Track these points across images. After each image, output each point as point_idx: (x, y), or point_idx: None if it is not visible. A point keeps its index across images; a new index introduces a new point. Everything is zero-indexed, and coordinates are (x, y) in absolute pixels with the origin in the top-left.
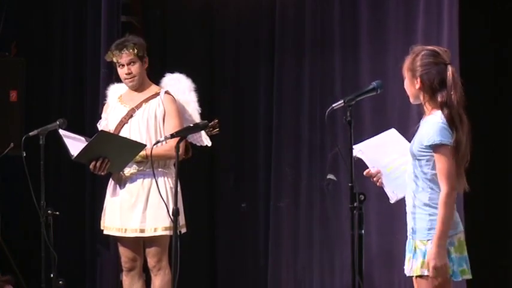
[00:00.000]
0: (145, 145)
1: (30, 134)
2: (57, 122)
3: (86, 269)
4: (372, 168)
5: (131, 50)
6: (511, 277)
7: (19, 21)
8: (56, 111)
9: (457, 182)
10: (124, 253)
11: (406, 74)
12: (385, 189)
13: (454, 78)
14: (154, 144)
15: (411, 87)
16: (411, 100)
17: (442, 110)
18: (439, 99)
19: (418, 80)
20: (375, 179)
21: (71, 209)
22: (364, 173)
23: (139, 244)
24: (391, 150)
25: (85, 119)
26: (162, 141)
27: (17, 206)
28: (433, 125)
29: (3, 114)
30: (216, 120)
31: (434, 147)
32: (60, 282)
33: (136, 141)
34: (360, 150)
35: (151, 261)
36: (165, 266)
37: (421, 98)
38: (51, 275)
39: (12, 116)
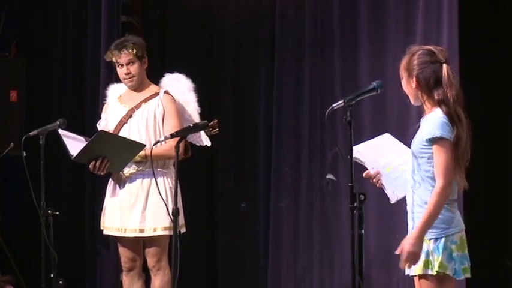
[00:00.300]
0: (145, 145)
1: (30, 134)
2: (57, 122)
3: (86, 269)
4: (371, 170)
5: (130, 50)
6: (511, 277)
7: (19, 21)
8: (56, 111)
9: (456, 179)
10: (123, 253)
11: (403, 74)
12: (385, 190)
13: (449, 76)
14: (154, 144)
15: (408, 87)
16: (412, 101)
17: (440, 107)
18: (435, 97)
19: (414, 79)
20: (374, 180)
21: (71, 209)
22: (363, 174)
23: (139, 244)
24: (388, 151)
25: (85, 119)
26: (162, 141)
27: (17, 206)
28: (434, 120)
29: (3, 114)
30: (216, 120)
31: (434, 141)
32: (60, 282)
33: (135, 141)
34: (357, 151)
35: (150, 261)
36: (164, 266)
37: (420, 97)
38: (51, 275)
39: (12, 116)
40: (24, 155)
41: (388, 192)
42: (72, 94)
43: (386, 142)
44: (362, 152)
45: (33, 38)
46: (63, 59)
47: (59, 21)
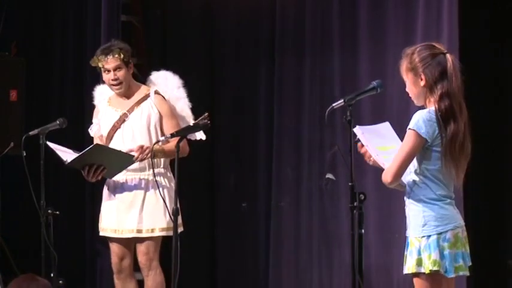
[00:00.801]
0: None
1: (30, 133)
2: (57, 122)
3: (86, 269)
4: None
5: (117, 55)
6: (511, 277)
7: (19, 21)
8: (56, 111)
9: (452, 175)
10: (115, 250)
11: (407, 77)
12: (378, 161)
13: (454, 66)
14: (154, 144)
15: (415, 87)
16: (416, 102)
17: (442, 101)
18: (439, 90)
19: (422, 76)
20: (367, 154)
21: (71, 209)
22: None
23: (131, 244)
24: (387, 141)
25: (85, 119)
26: (162, 140)
27: (17, 206)
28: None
29: (3, 114)
30: (206, 114)
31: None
32: (60, 282)
33: (128, 154)
34: (362, 132)
35: (142, 260)
36: (156, 266)
37: (425, 95)
38: (51, 275)
39: (12, 115)
40: (24, 154)
41: (380, 161)
42: (72, 94)
43: (387, 131)
44: (365, 132)
45: (33, 38)
46: (63, 59)
47: (59, 21)
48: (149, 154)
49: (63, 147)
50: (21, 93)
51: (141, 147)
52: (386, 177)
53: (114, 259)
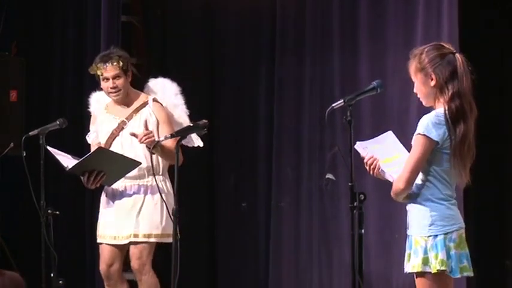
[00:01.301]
0: (140, 163)
1: (30, 133)
2: (57, 122)
3: (86, 269)
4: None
5: (116, 63)
6: (511, 277)
7: (19, 21)
8: (56, 111)
9: (461, 175)
10: (104, 259)
11: (417, 77)
12: (384, 175)
13: (464, 65)
14: (154, 145)
15: (424, 87)
16: (425, 103)
17: (453, 101)
18: (450, 90)
19: (432, 76)
20: (372, 166)
21: (71, 209)
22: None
23: (125, 249)
24: (390, 152)
25: (85, 119)
26: (162, 141)
27: (17, 206)
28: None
29: (3, 114)
30: (206, 121)
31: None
32: (60, 282)
33: (132, 159)
34: (364, 147)
35: (134, 265)
36: (148, 270)
37: (435, 95)
38: (51, 275)
39: (12, 116)
40: (24, 155)
41: (388, 176)
42: (72, 94)
43: (389, 141)
44: (367, 147)
45: (33, 38)
46: (63, 59)
47: (59, 21)
48: (152, 139)
49: (63, 153)
50: (21, 93)
51: (150, 132)
52: (399, 184)
53: (102, 266)
